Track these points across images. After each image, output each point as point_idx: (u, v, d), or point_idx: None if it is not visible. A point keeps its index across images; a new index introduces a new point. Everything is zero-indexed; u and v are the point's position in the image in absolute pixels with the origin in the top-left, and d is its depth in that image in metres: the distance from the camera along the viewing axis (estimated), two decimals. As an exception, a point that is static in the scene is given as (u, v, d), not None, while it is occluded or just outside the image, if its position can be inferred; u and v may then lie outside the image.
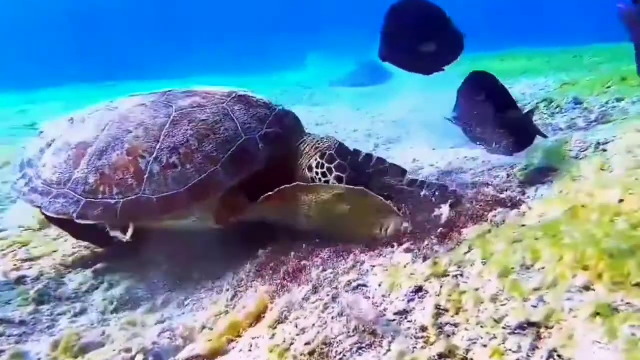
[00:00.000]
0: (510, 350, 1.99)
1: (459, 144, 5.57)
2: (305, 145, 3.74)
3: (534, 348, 1.98)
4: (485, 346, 2.04)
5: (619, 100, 6.33)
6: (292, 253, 3.10)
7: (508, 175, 4.22)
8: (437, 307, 2.25)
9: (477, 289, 2.32)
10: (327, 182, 3.40)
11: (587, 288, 2.19)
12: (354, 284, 2.55)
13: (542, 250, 2.50)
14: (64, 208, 3.26)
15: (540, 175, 4.03)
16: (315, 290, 2.58)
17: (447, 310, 2.23)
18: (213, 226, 3.50)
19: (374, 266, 2.70)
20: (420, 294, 2.37)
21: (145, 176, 3.24)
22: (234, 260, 3.44)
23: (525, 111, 4.35)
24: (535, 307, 2.14)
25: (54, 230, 4.20)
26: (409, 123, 7.73)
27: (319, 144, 3.71)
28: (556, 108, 6.94)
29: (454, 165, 5.00)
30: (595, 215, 2.85)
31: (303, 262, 2.95)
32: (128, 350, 2.57)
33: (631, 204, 2.93)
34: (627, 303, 2.04)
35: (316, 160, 3.52)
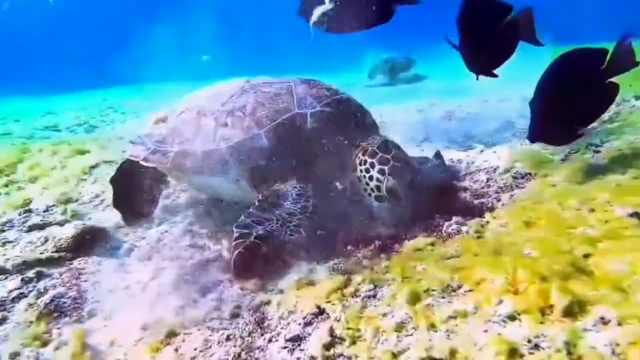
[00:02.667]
0: (400, 392, 1.66)
1: (446, 147, 5.19)
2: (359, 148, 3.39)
3: (428, 391, 1.64)
4: (373, 386, 1.71)
5: (637, 98, 5.71)
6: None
7: (488, 180, 3.83)
8: (332, 334, 1.92)
9: (383, 315, 1.98)
10: (370, 177, 3.11)
11: (511, 318, 1.84)
12: (256, 302, 2.26)
13: (473, 269, 2.15)
14: (137, 152, 3.79)
15: (521, 180, 3.62)
16: (215, 309, 2.29)
17: (342, 339, 1.90)
18: (251, 192, 3.42)
19: (289, 283, 2.39)
20: (321, 316, 2.05)
21: (201, 131, 3.57)
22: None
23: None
24: (445, 339, 1.80)
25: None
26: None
27: (366, 143, 3.34)
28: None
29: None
30: (552, 228, 2.46)
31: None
32: None
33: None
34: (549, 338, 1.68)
35: (359, 158, 3.23)
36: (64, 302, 3.02)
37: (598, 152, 3.81)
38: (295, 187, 3.19)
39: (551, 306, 1.82)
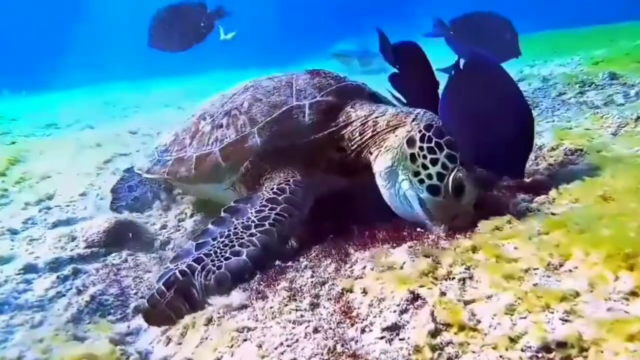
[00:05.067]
0: (530, 381, 1.49)
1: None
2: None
3: (563, 379, 1.47)
4: (497, 375, 1.54)
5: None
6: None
7: (536, 157, 3.66)
8: (435, 320, 1.75)
9: (488, 297, 1.81)
10: (434, 161, 2.47)
11: (634, 294, 1.67)
12: (337, 290, 2.08)
13: (571, 245, 1.98)
14: (142, 165, 3.69)
15: (572, 156, 3.46)
16: (292, 297, 2.11)
17: (448, 326, 1.73)
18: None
19: (364, 268, 2.21)
20: (417, 302, 1.87)
21: (197, 135, 3.33)
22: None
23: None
24: (563, 321, 1.63)
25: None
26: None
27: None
28: (590, 85, 6.28)
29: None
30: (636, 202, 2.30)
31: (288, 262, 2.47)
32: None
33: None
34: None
35: (416, 133, 2.58)
36: (106, 300, 2.84)
37: (647, 124, 3.67)
38: (273, 189, 2.78)
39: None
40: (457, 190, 2.42)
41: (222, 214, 2.73)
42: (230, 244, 2.49)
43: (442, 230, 2.39)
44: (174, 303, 2.32)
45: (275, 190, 2.75)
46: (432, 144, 2.50)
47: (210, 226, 2.68)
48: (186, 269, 2.37)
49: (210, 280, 2.33)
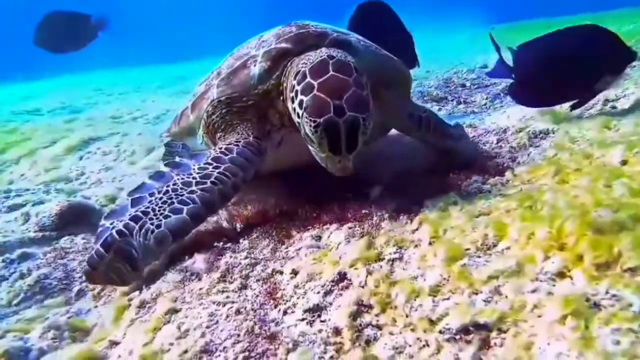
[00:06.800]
0: (444, 363, 1.43)
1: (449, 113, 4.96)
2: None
3: (477, 360, 1.41)
4: (411, 357, 1.48)
5: None
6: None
7: (498, 141, 3.59)
8: (359, 302, 1.68)
9: (414, 278, 1.75)
10: (293, 109, 2.41)
11: (560, 275, 1.61)
12: (267, 272, 2.01)
13: (509, 225, 1.91)
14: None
15: (535, 139, 3.39)
16: (222, 279, 2.04)
17: (370, 307, 1.67)
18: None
19: (299, 249, 2.14)
20: (342, 284, 1.81)
21: (192, 94, 3.26)
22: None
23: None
24: (487, 302, 1.57)
25: None
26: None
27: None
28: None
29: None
30: (587, 180, 2.23)
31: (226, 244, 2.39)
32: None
33: (636, 165, 2.31)
34: (613, 295, 1.45)
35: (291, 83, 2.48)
36: (50, 283, 2.77)
37: (615, 107, 3.60)
38: (221, 148, 2.62)
39: (607, 262, 1.59)
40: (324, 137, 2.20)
41: (163, 168, 2.60)
42: (169, 200, 2.35)
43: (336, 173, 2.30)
44: (114, 264, 2.21)
45: (222, 149, 2.62)
46: (293, 94, 2.38)
47: (147, 180, 2.52)
48: (123, 229, 2.24)
49: (149, 240, 2.22)
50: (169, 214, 2.29)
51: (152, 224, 2.26)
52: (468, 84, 6.15)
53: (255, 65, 2.74)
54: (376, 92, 2.77)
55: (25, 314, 2.54)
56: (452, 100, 5.59)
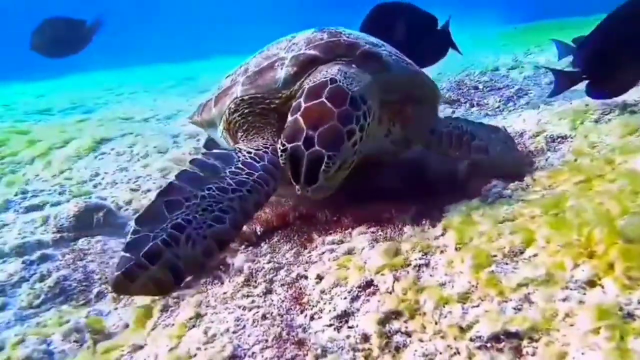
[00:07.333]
0: (476, 371, 1.42)
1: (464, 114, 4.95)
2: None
3: (510, 369, 1.40)
4: (442, 365, 1.47)
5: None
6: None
7: (516, 145, 3.57)
8: (387, 308, 1.68)
9: (442, 285, 1.74)
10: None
11: (591, 283, 1.60)
12: (291, 276, 2.01)
13: (535, 231, 1.91)
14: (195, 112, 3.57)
15: (553, 143, 3.38)
16: (246, 283, 2.04)
17: (399, 314, 1.66)
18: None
19: (322, 253, 2.14)
20: (369, 289, 1.80)
21: (218, 86, 3.28)
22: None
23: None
24: (517, 310, 1.56)
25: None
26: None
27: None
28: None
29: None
30: (614, 186, 2.22)
31: (247, 247, 2.39)
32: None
33: (662, 173, 2.29)
34: (646, 306, 1.44)
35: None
36: (69, 285, 2.78)
37: (634, 112, 3.57)
38: (251, 151, 2.57)
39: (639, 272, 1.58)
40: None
41: (189, 167, 2.45)
42: (209, 208, 2.25)
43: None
44: (156, 275, 2.03)
45: (253, 155, 2.55)
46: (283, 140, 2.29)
47: (175, 181, 2.35)
48: (169, 238, 2.09)
49: (197, 251, 2.12)
50: (212, 223, 2.20)
51: (197, 234, 2.15)
52: (480, 86, 6.11)
53: (282, 69, 2.71)
54: (402, 109, 2.78)
55: (45, 316, 2.56)
56: (464, 103, 5.57)
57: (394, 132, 2.83)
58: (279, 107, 2.74)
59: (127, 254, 2.04)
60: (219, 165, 2.47)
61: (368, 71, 2.61)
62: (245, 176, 2.42)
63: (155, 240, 2.07)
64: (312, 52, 2.70)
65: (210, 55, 17.14)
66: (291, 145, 2.19)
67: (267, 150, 2.59)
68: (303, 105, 2.30)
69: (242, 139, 2.82)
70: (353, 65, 2.61)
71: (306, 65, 2.65)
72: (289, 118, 2.32)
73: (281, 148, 2.23)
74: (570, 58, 4.33)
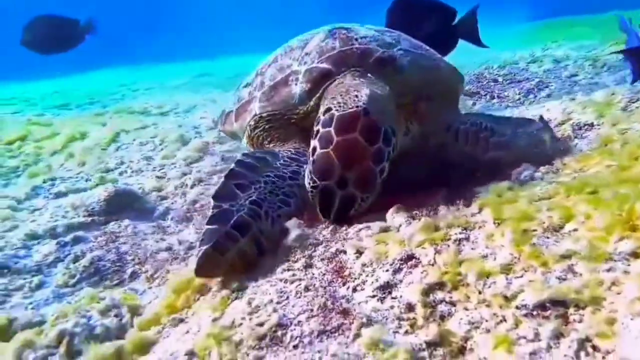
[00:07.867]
0: (524, 338, 1.44)
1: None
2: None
3: (557, 336, 1.42)
4: (488, 332, 1.50)
5: None
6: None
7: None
8: (430, 279, 1.70)
9: (484, 257, 1.76)
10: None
11: (635, 255, 1.61)
12: (330, 251, 2.03)
13: (574, 207, 1.92)
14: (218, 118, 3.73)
15: (580, 130, 3.38)
16: (286, 258, 2.07)
17: (442, 284, 1.69)
18: None
19: (359, 230, 2.16)
20: (411, 262, 1.83)
21: (237, 92, 3.39)
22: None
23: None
24: (562, 280, 1.58)
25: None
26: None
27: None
28: (602, 67, 6.15)
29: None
30: (649, 167, 2.23)
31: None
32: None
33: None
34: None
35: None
36: (103, 265, 2.83)
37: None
38: (290, 150, 2.68)
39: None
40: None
41: (244, 158, 2.51)
42: (274, 192, 2.34)
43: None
44: (245, 250, 2.04)
45: (294, 153, 2.66)
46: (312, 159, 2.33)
47: (236, 168, 2.40)
48: (252, 212, 2.12)
49: (276, 229, 2.19)
50: (281, 205, 2.30)
51: (272, 212, 2.23)
52: (500, 79, 6.11)
53: (296, 84, 2.79)
54: (416, 106, 2.84)
55: (81, 294, 2.61)
56: (485, 95, 5.58)
57: (412, 129, 2.87)
58: (299, 121, 2.83)
59: (214, 226, 2.04)
60: (269, 158, 2.57)
61: (382, 78, 2.66)
62: (295, 167, 2.52)
63: (240, 213, 2.10)
64: (324, 65, 2.75)
65: (222, 54, 17.26)
66: (323, 183, 2.23)
67: (304, 151, 2.65)
68: (335, 138, 2.25)
69: (270, 147, 2.92)
70: (369, 75, 2.66)
71: (319, 81, 2.72)
72: (316, 145, 2.30)
73: (311, 184, 2.28)
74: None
